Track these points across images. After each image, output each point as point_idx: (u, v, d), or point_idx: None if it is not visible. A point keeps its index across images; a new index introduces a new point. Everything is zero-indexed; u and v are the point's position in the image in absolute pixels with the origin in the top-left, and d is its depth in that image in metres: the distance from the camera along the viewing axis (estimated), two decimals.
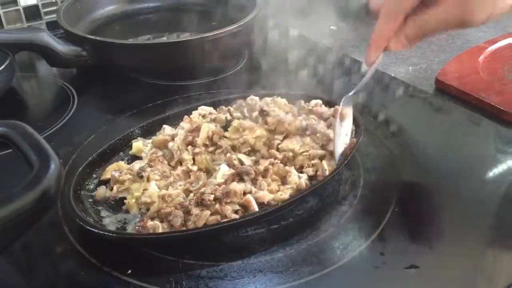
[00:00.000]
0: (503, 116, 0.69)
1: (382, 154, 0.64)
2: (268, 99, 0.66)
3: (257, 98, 0.67)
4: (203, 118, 0.64)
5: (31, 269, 0.50)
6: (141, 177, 0.56)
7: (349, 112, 0.61)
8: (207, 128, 0.61)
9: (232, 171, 0.55)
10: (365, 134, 0.62)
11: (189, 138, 0.60)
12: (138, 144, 0.63)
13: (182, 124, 0.64)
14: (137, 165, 0.58)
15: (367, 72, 0.58)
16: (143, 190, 0.55)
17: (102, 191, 0.57)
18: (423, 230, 0.53)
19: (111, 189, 0.57)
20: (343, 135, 0.59)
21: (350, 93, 0.61)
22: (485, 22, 0.50)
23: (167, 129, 0.64)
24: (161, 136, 0.62)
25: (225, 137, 0.61)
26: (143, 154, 0.62)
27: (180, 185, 0.56)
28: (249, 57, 0.92)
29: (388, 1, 0.51)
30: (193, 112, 0.65)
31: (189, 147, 0.59)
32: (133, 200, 0.55)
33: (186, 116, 0.64)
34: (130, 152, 0.63)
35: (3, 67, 0.74)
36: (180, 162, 0.59)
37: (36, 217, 0.33)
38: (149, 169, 0.57)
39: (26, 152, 0.36)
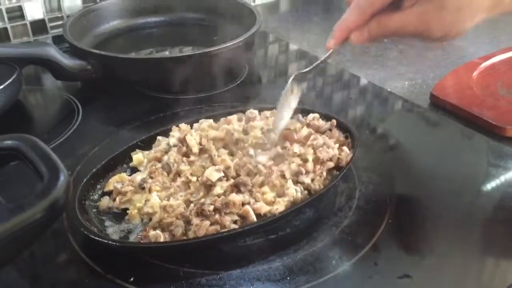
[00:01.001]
0: (495, 130, 0.71)
1: (378, 167, 0.65)
2: (267, 113, 0.68)
3: (256, 112, 0.69)
4: (191, 128, 0.66)
5: (36, 276, 0.52)
6: (143, 188, 0.58)
7: (296, 89, 0.64)
8: (193, 137, 0.63)
9: (231, 181, 0.57)
10: (361, 147, 0.64)
11: (184, 149, 0.62)
12: (138, 157, 0.64)
13: (172, 133, 0.66)
14: (138, 176, 0.60)
15: (324, 56, 0.61)
16: (145, 201, 0.57)
17: (105, 202, 0.58)
18: (416, 241, 0.55)
19: (114, 200, 0.59)
20: (287, 110, 0.63)
21: (302, 71, 0.63)
22: (441, 38, 0.55)
23: (162, 141, 0.65)
24: (152, 154, 0.64)
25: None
26: (141, 168, 0.63)
27: (180, 196, 0.58)
28: (250, 71, 0.94)
29: None
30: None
31: (184, 158, 0.61)
32: (135, 211, 0.56)
33: (174, 126, 0.66)
34: (131, 164, 0.64)
35: (10, 80, 0.75)
36: (179, 174, 0.60)
37: (45, 227, 0.35)
38: (150, 180, 0.59)
39: (36, 164, 0.37)
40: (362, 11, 0.55)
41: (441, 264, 0.52)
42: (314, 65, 0.63)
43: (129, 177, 0.61)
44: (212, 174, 0.57)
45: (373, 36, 0.56)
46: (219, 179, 0.57)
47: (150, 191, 0.58)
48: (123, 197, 0.58)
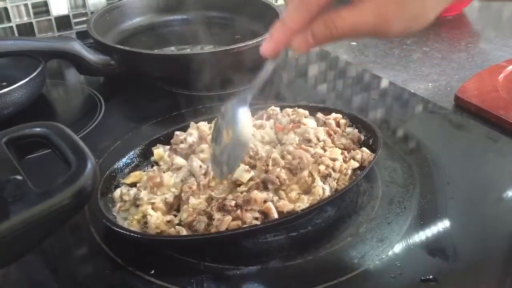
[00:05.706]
0: None
1: (401, 168, 0.65)
2: (289, 110, 0.68)
3: (277, 109, 0.69)
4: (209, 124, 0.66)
5: (59, 266, 0.52)
6: (137, 206, 0.56)
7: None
8: None
9: (257, 180, 0.56)
10: (384, 148, 0.63)
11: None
12: (159, 151, 0.64)
13: (190, 130, 0.65)
14: (131, 192, 0.58)
15: (262, 71, 0.51)
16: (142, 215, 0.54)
17: (117, 194, 0.58)
18: (440, 244, 0.54)
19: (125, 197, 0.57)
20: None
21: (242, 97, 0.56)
22: (400, 35, 0.45)
23: (180, 136, 0.64)
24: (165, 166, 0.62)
25: None
26: (161, 162, 0.63)
27: (202, 195, 0.57)
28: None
29: None
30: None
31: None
32: (135, 222, 0.54)
33: (192, 123, 0.66)
34: (152, 159, 0.64)
35: (35, 73, 0.76)
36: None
37: (71, 214, 0.35)
38: (145, 198, 0.56)
39: (64, 152, 0.38)
40: (307, 7, 0.44)
41: (465, 268, 0.51)
42: (251, 88, 0.54)
43: (150, 174, 0.60)
44: (243, 175, 0.57)
45: (319, 39, 0.45)
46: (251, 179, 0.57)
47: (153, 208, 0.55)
48: (123, 205, 0.56)
